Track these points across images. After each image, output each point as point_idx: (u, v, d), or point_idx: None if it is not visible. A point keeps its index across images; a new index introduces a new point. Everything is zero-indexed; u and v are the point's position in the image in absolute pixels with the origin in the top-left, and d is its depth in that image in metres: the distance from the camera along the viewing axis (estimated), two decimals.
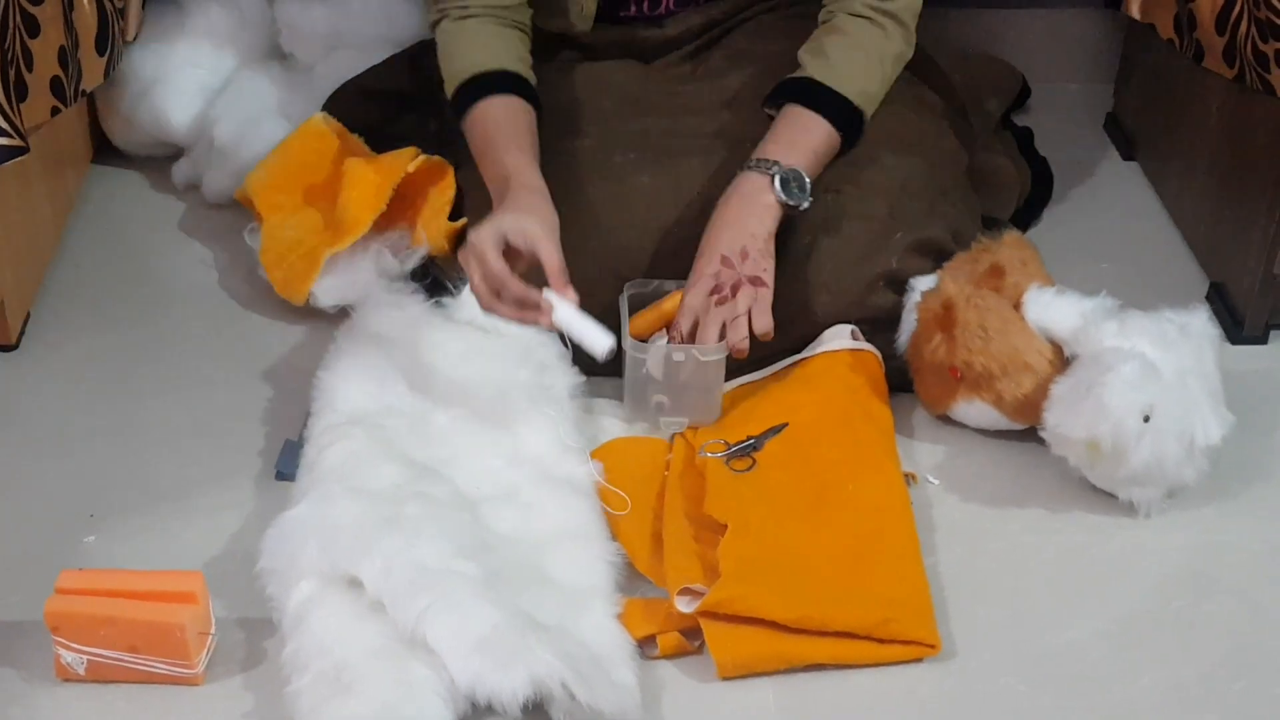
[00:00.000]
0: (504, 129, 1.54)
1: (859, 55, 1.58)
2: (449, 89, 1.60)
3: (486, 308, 1.41)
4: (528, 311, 1.39)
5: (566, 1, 1.69)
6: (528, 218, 1.41)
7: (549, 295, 1.38)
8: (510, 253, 1.40)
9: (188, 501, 1.45)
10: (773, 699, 1.25)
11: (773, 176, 1.50)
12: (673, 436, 1.49)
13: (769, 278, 1.47)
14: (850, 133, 1.57)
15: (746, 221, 1.48)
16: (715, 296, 1.45)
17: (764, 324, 1.46)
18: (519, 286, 1.39)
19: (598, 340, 1.37)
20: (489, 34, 1.61)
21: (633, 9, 1.72)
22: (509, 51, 1.60)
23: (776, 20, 1.72)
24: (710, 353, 1.46)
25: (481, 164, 1.55)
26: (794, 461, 1.43)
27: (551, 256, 1.39)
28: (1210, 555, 1.40)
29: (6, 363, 1.64)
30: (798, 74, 1.58)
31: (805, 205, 1.51)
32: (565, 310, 1.38)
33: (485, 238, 1.39)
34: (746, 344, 1.45)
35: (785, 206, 1.50)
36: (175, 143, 1.93)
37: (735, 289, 1.45)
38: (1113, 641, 1.31)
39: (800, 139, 1.54)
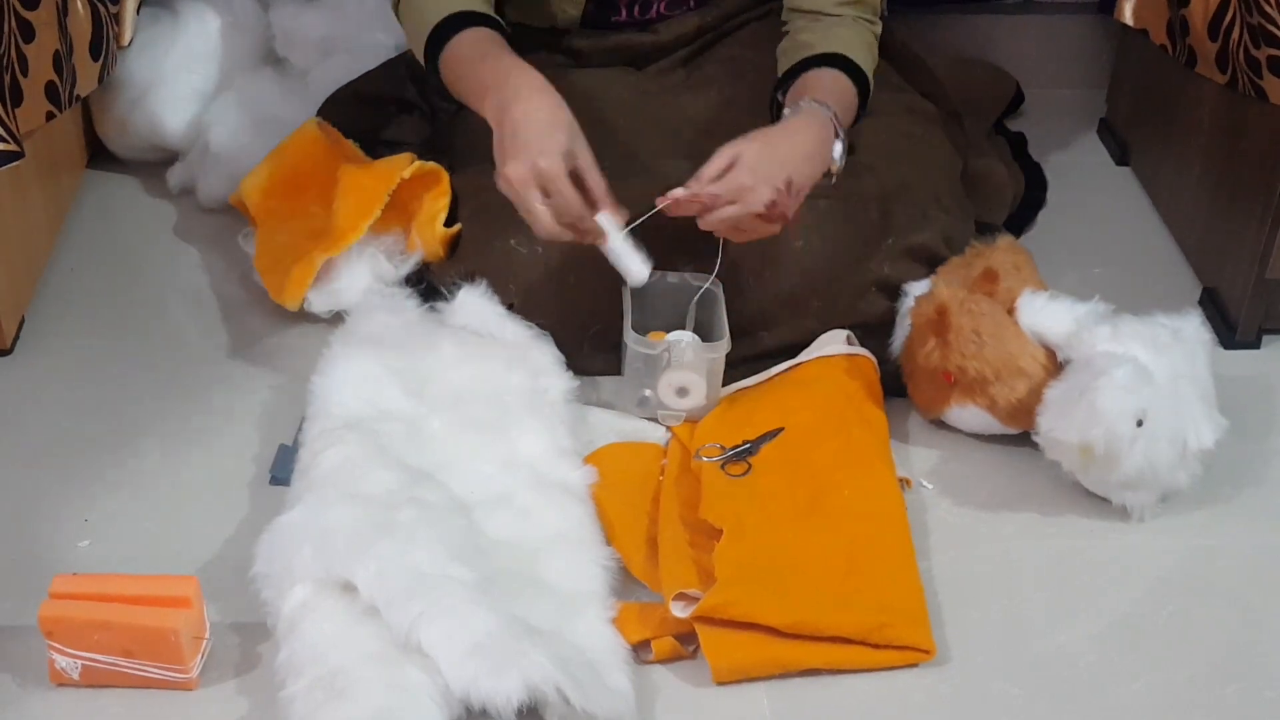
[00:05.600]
0: (487, 46, 1.47)
1: (861, 46, 1.59)
2: (420, 43, 1.52)
3: (550, 234, 1.36)
4: (587, 236, 1.38)
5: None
6: (576, 138, 1.37)
7: (601, 220, 1.38)
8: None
9: (182, 506, 1.45)
10: (767, 704, 1.25)
11: (839, 138, 1.47)
12: (668, 442, 1.50)
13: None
14: (860, 112, 1.57)
15: (815, 162, 1.45)
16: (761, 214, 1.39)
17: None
18: (586, 215, 1.36)
19: (636, 270, 1.41)
20: None
21: (623, 14, 1.72)
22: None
23: (769, 27, 1.72)
24: (719, 348, 1.47)
25: (466, 81, 1.47)
26: (789, 466, 1.43)
27: (598, 180, 1.38)
28: (1203, 559, 1.41)
29: (1, 368, 1.63)
30: (821, 50, 1.56)
31: (831, 181, 1.49)
32: (616, 238, 1.40)
33: (554, 161, 1.33)
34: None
35: (824, 173, 1.48)
36: (170, 147, 1.93)
37: (782, 220, 1.41)
38: (1106, 646, 1.31)
39: (846, 104, 1.52)
